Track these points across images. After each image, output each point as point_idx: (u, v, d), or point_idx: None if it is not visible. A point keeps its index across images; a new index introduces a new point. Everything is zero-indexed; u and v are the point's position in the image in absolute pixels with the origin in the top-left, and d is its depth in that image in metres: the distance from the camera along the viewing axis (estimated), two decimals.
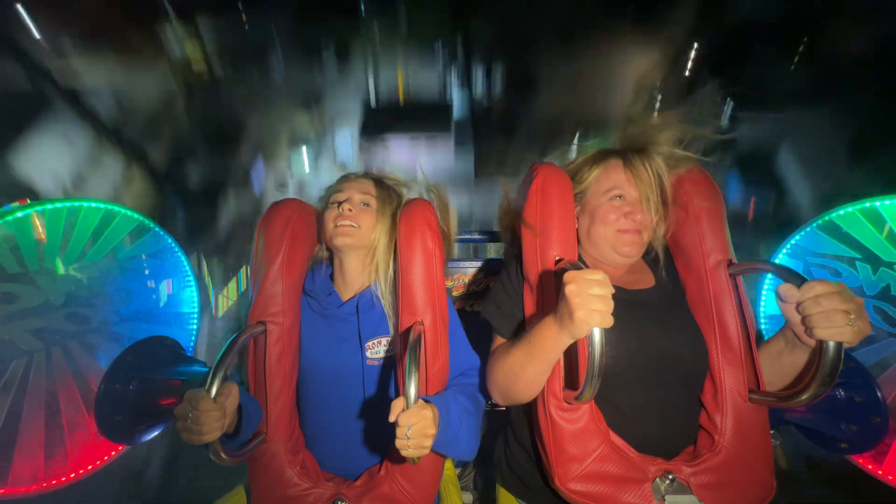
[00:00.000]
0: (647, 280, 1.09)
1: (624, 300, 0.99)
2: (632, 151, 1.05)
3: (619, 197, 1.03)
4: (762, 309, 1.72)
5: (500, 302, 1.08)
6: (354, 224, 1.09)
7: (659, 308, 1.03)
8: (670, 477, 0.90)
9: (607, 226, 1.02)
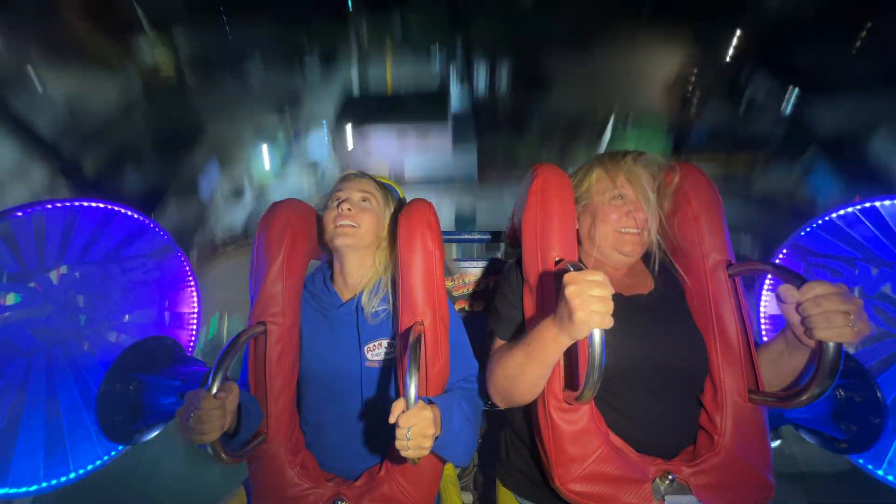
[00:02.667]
0: (645, 284, 1.09)
1: (623, 305, 0.99)
2: (626, 155, 1.07)
3: (620, 197, 1.03)
4: (762, 310, 1.72)
5: (499, 306, 1.09)
6: (354, 224, 1.09)
7: (658, 311, 1.03)
8: (670, 477, 0.90)
9: (608, 225, 1.03)
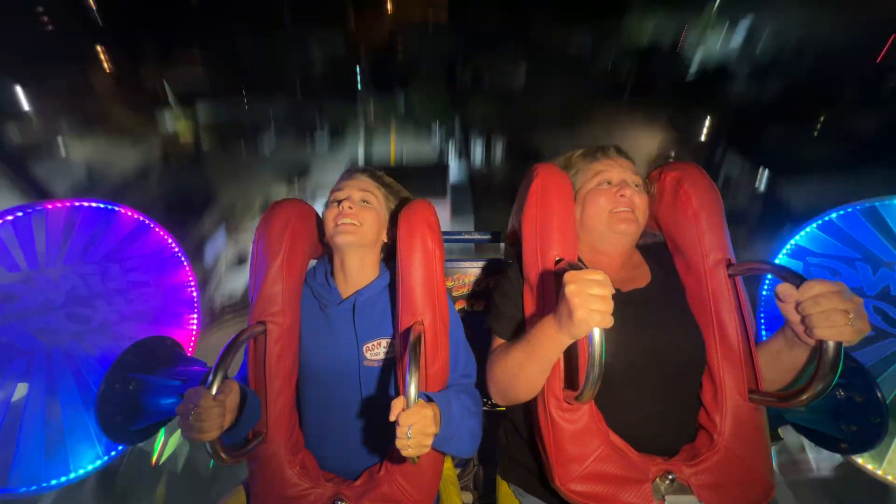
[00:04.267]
0: (642, 278, 1.09)
1: (621, 301, 1.00)
2: (606, 147, 1.14)
3: (607, 182, 1.07)
4: (761, 309, 1.72)
5: (499, 303, 1.09)
6: (355, 222, 1.09)
7: (655, 303, 1.03)
8: (670, 477, 0.90)
9: (599, 208, 1.05)
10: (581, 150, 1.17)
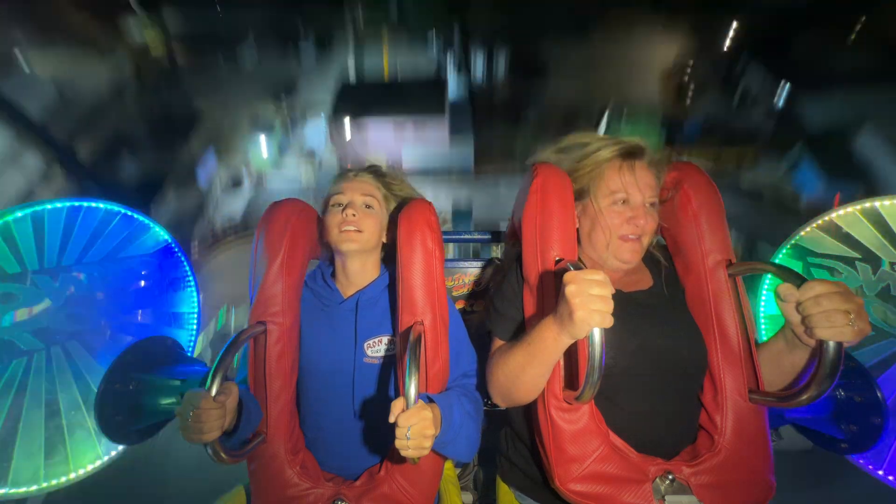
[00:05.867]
0: (644, 280, 1.09)
1: (622, 301, 0.99)
2: (633, 152, 1.02)
3: (623, 202, 1.01)
4: (762, 309, 1.73)
5: (498, 305, 1.08)
6: (360, 229, 1.08)
7: (657, 307, 1.03)
8: (670, 477, 0.90)
9: (610, 231, 1.01)
10: (606, 145, 1.02)
